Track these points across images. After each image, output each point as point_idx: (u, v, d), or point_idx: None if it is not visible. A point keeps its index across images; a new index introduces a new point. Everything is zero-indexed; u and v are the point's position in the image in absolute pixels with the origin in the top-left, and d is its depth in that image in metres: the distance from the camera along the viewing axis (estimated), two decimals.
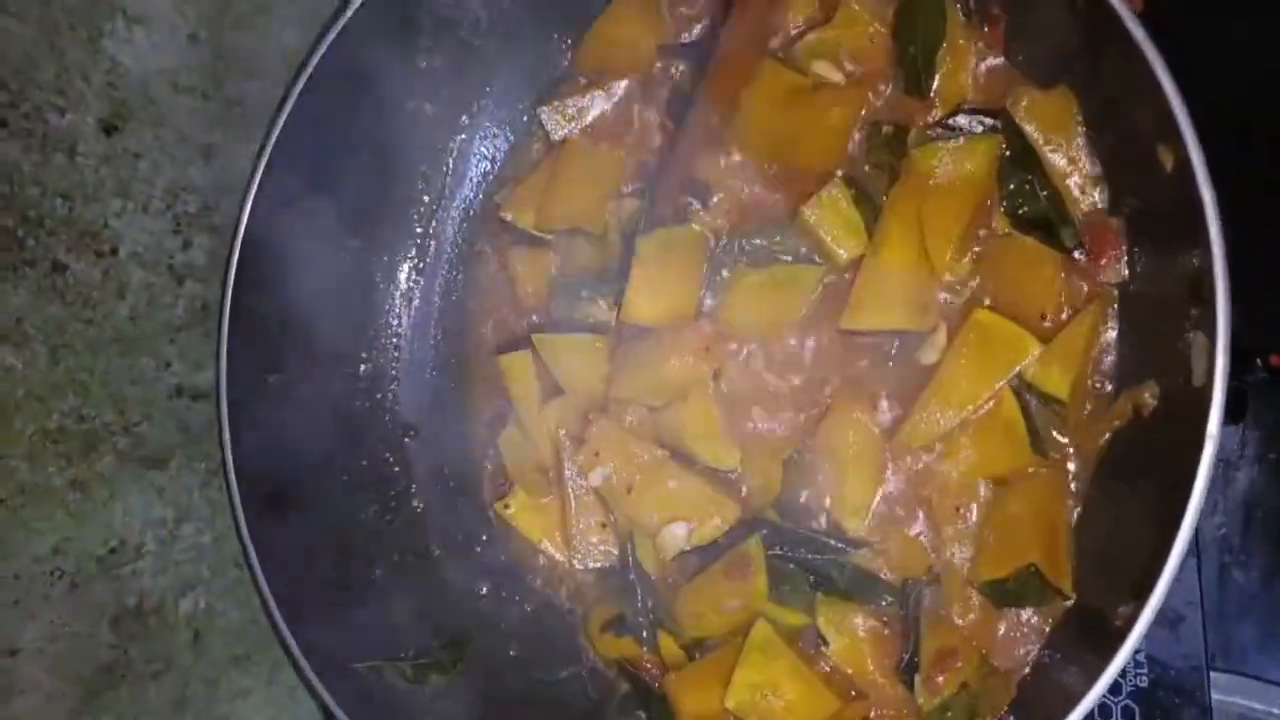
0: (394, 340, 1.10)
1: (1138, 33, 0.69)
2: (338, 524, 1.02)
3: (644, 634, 0.93)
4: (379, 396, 1.09)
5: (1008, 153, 0.84)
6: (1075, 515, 0.82)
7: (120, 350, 0.94)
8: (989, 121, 0.85)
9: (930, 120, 0.88)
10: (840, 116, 0.90)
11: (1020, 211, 0.84)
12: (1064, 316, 0.83)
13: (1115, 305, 0.82)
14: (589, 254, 1.00)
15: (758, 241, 0.92)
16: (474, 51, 1.05)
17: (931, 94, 0.88)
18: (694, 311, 0.93)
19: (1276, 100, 0.95)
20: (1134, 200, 0.80)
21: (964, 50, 0.86)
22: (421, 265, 1.11)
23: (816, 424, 0.90)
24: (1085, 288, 0.82)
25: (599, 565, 0.96)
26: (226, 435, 0.95)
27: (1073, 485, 0.83)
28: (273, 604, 0.92)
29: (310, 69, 0.97)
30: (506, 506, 1.01)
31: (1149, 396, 0.77)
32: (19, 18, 0.88)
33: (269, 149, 0.97)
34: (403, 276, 1.10)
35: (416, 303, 1.11)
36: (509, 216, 1.04)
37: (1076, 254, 0.83)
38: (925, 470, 0.86)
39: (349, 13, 0.95)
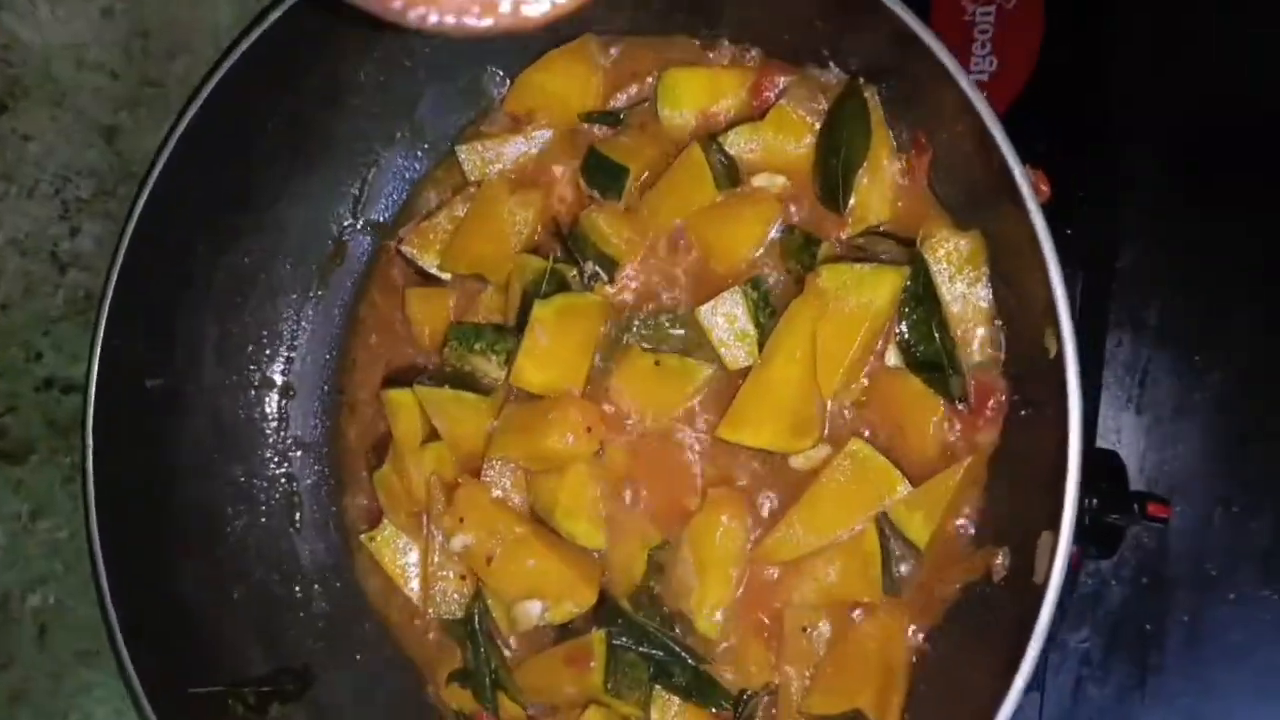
0: (289, 353, 1.07)
1: (1038, 221, 0.67)
2: (203, 536, 1.00)
3: (485, 693, 0.93)
4: (269, 408, 1.07)
5: (910, 285, 0.83)
6: (914, 660, 0.83)
7: None
8: (898, 251, 0.83)
9: (841, 236, 0.86)
10: (758, 218, 0.88)
11: (914, 349, 0.83)
12: (934, 463, 0.82)
13: (987, 465, 0.81)
14: (488, 304, 0.98)
15: (658, 324, 0.91)
16: (405, 71, 1.00)
17: (845, 211, 0.86)
18: (582, 385, 0.91)
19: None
20: (1021, 369, 0.79)
21: (885, 172, 0.84)
22: (327, 279, 1.08)
23: (687, 519, 0.89)
24: (962, 441, 0.82)
25: (453, 617, 0.96)
26: (90, 434, 0.92)
27: (916, 630, 0.83)
28: (113, 614, 0.90)
29: (238, 54, 0.91)
30: (372, 539, 1.00)
31: (1000, 563, 0.78)
32: None
33: (178, 133, 0.92)
34: (305, 286, 1.07)
35: (316, 316, 1.08)
36: (410, 251, 1.01)
37: (960, 405, 0.82)
38: (779, 584, 0.86)
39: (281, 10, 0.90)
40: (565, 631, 0.92)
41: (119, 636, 0.89)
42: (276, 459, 1.06)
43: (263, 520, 1.05)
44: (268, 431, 1.07)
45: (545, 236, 0.97)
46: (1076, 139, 1.01)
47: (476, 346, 0.95)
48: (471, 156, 0.98)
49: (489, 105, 1.02)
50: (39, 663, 0.98)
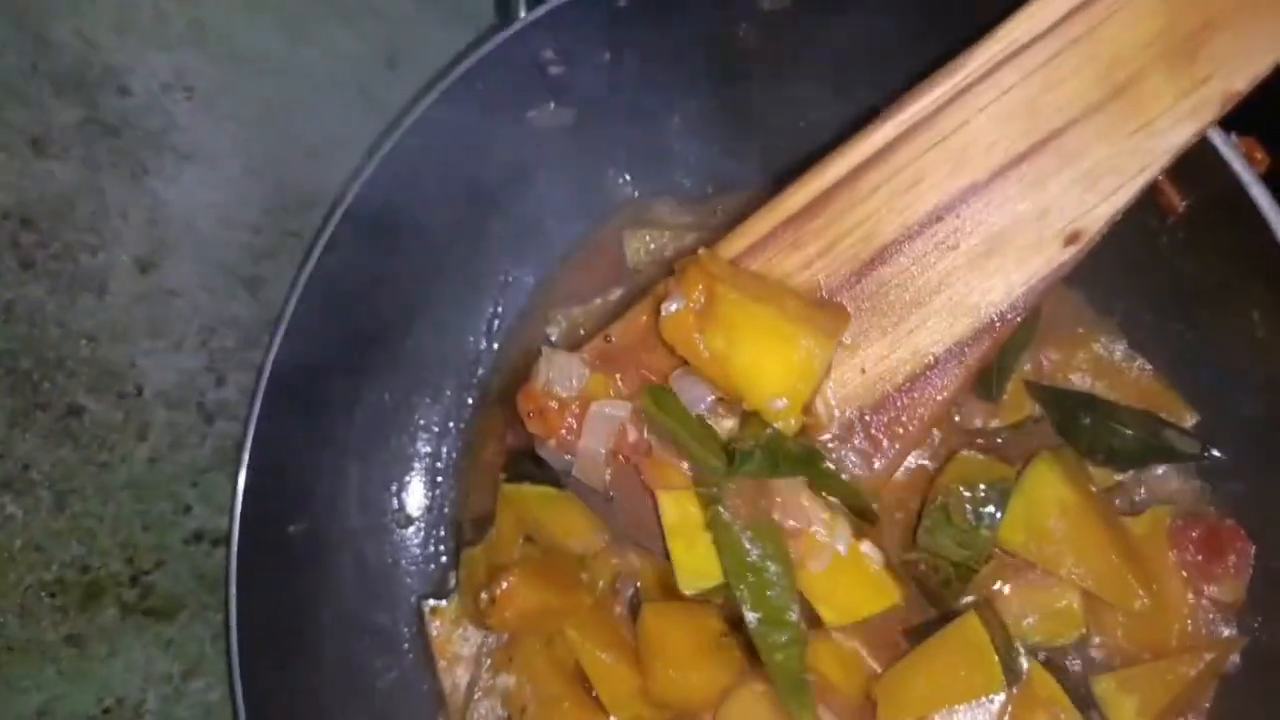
0: (432, 490, 1.02)
1: None
2: (350, 690, 0.94)
3: None
4: (413, 548, 1.01)
5: None
6: None
7: (134, 495, 0.91)
8: None
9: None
10: None
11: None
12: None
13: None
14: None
15: None
16: (525, 187, 0.97)
17: None
18: None
19: None
20: None
21: None
22: (465, 409, 1.03)
23: None
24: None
25: None
26: (234, 587, 0.89)
27: None
28: None
29: (350, 196, 0.91)
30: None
31: None
32: (61, 159, 0.87)
33: (304, 277, 0.92)
34: (445, 417, 1.03)
35: (458, 447, 1.03)
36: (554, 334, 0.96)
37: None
38: None
39: (396, 136, 0.90)
40: None
41: None
42: (412, 607, 0.99)
43: (408, 668, 0.97)
44: (413, 573, 1.01)
45: None
46: None
47: None
48: (636, 243, 0.93)
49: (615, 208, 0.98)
50: None
